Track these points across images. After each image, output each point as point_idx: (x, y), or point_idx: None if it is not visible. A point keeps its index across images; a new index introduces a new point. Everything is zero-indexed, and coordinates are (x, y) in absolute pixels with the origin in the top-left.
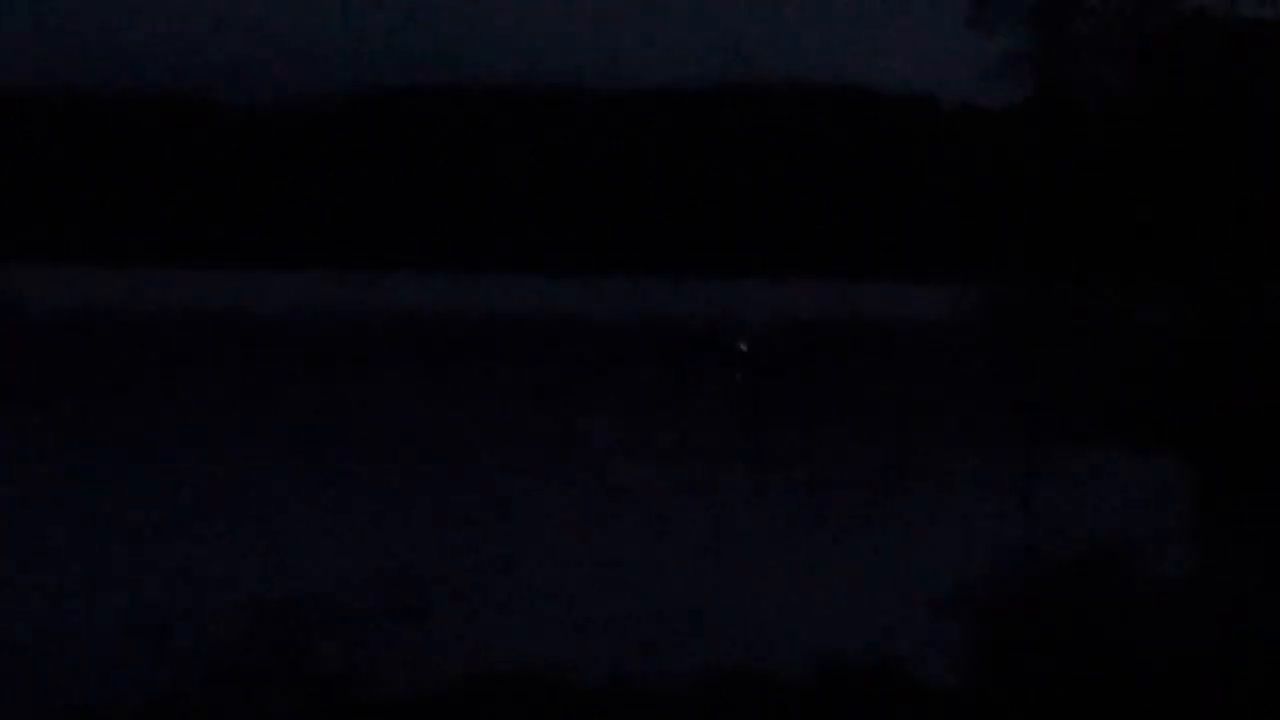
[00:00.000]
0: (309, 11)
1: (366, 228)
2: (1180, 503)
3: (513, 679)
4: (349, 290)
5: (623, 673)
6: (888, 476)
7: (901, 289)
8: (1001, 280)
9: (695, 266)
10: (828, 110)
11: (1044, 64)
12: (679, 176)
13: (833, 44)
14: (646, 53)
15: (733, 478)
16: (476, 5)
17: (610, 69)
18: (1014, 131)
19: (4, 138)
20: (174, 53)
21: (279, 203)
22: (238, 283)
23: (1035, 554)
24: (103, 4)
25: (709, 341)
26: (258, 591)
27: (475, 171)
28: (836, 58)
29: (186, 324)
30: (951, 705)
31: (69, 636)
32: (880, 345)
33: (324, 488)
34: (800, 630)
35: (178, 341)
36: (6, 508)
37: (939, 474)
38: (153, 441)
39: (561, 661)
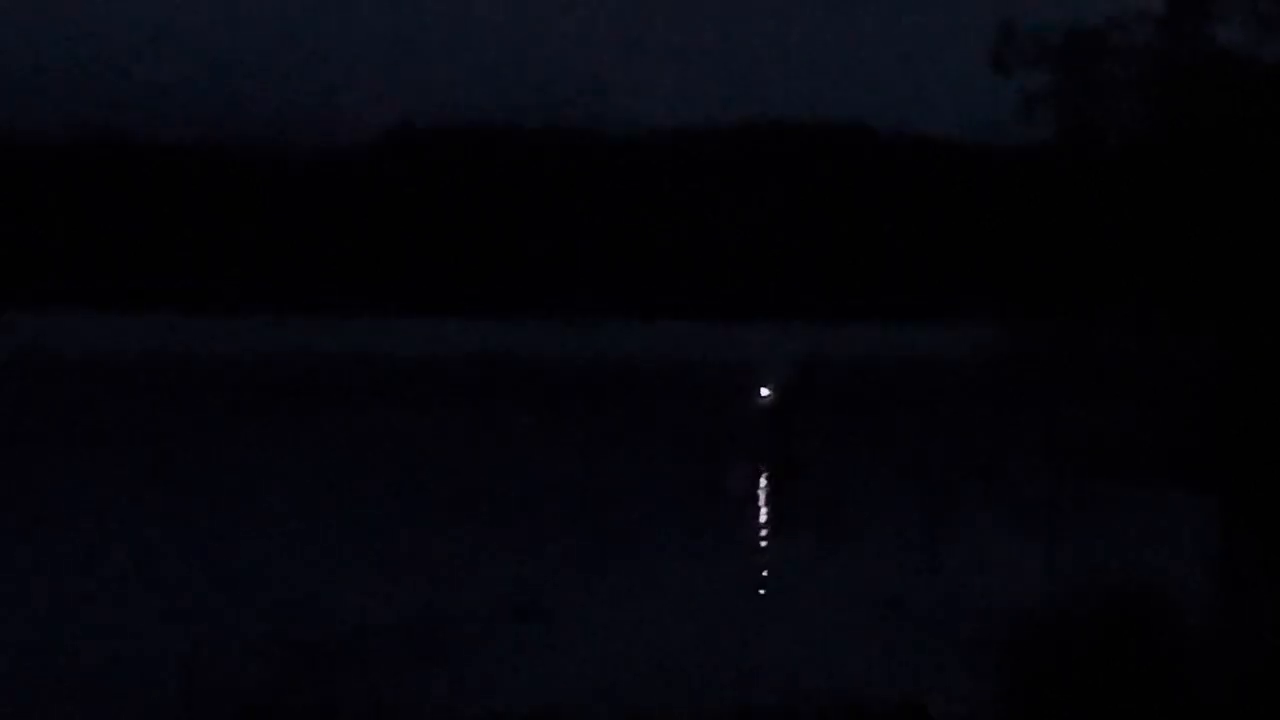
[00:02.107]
0: (317, 57)
1: (378, 272)
2: (1206, 540)
3: (531, 719)
4: (371, 334)
5: (643, 712)
6: (912, 515)
7: (925, 329)
8: (1026, 319)
9: (719, 309)
10: (848, 151)
11: (1067, 104)
12: (701, 217)
13: (853, 85)
14: (667, 92)
15: (757, 518)
16: (496, 42)
17: (627, 108)
18: (1037, 172)
19: (26, 183)
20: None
21: (305, 248)
22: (258, 327)
23: (1060, 591)
24: (124, 49)
25: (732, 384)
26: (281, 633)
27: (489, 214)
28: (857, 98)
29: (210, 368)
30: None
31: (95, 677)
32: (905, 385)
33: (347, 530)
34: (824, 667)
35: (200, 385)
36: (30, 547)
37: (964, 512)
38: (176, 482)
39: (581, 702)
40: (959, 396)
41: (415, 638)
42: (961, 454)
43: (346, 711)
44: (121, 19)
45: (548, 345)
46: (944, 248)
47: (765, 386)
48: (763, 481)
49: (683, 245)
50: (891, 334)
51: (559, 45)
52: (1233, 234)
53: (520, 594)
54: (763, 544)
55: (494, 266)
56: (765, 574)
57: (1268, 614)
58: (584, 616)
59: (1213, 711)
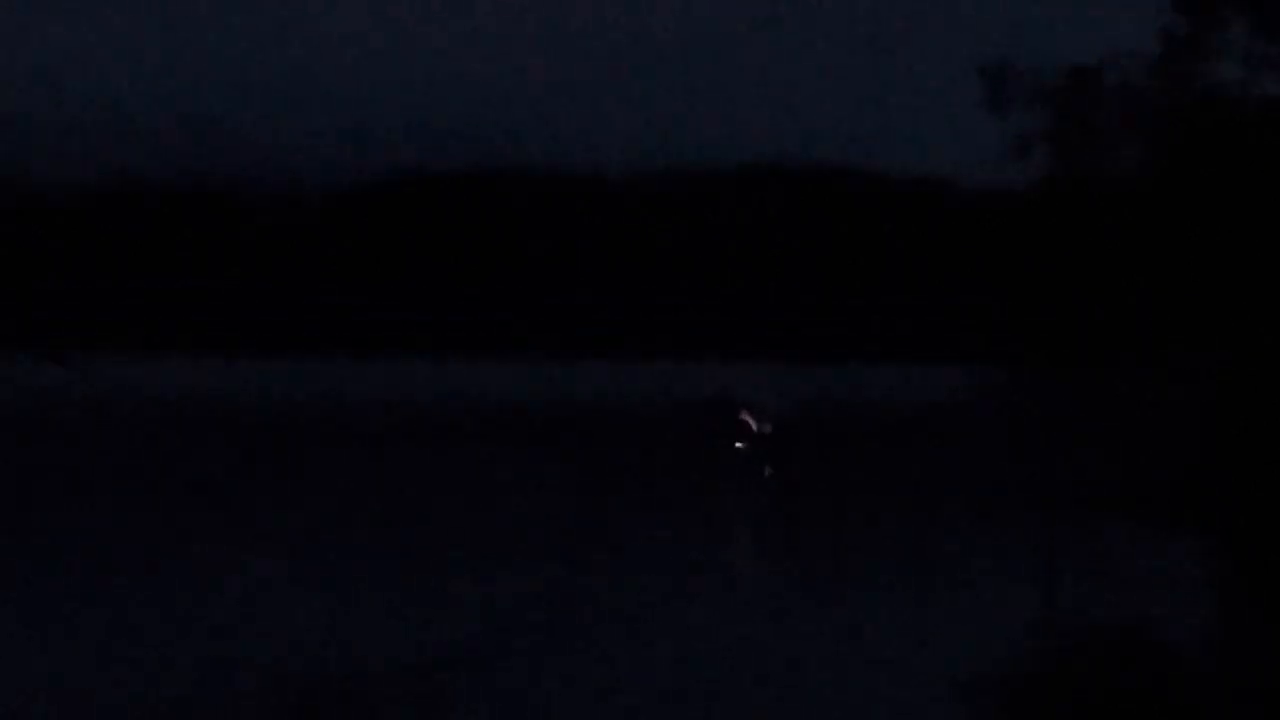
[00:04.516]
0: (323, 97)
1: (377, 313)
2: (1201, 581)
3: None
4: (366, 377)
5: None
6: (907, 558)
7: (919, 371)
8: (1019, 360)
9: (711, 349)
10: (842, 193)
11: (1059, 145)
12: (694, 258)
13: (846, 126)
14: (660, 135)
15: (752, 561)
16: (503, 88)
17: (620, 152)
18: (1030, 212)
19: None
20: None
21: (304, 289)
22: (257, 370)
23: (1056, 633)
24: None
25: (727, 425)
26: (269, 681)
27: (481, 256)
28: (850, 140)
29: (212, 411)
30: None
31: None
32: (899, 427)
33: (342, 575)
34: (821, 713)
35: (198, 428)
36: (34, 593)
37: (959, 554)
38: (167, 529)
39: None
40: (953, 435)
41: (409, 684)
42: (955, 492)
43: None
44: (86, 63)
45: (530, 387)
46: (936, 288)
47: (755, 426)
48: (750, 523)
49: (672, 285)
50: (882, 375)
51: (554, 88)
52: (1228, 272)
53: (517, 641)
54: (757, 582)
55: (478, 308)
56: (760, 613)
57: (1265, 656)
58: (581, 662)
59: None
